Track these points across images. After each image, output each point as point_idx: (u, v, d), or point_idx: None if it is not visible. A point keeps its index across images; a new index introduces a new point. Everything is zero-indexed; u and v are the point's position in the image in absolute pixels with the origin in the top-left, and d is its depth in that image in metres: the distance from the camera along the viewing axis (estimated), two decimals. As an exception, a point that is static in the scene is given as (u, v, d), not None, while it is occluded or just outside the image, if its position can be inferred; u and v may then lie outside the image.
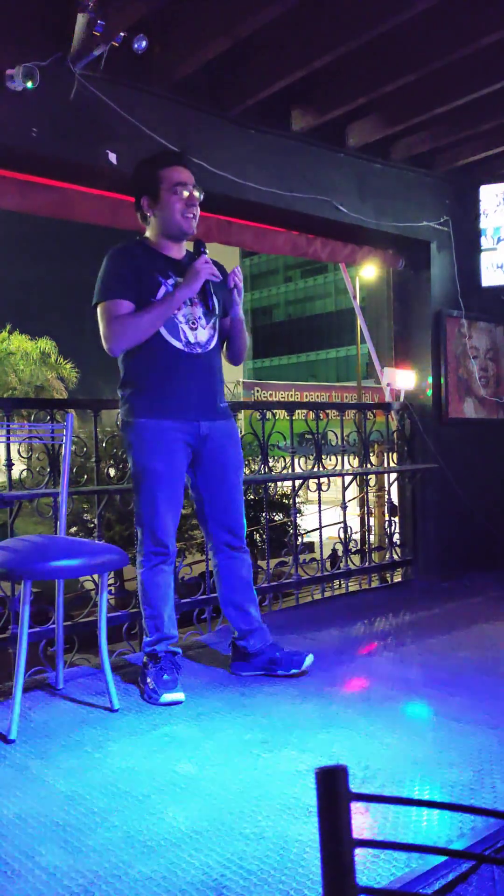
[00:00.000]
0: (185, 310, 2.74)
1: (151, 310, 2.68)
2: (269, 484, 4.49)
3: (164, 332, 2.71)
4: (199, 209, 2.79)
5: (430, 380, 4.79)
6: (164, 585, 2.79)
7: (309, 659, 2.88)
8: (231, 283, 2.83)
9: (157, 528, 2.76)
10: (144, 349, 2.72)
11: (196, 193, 2.76)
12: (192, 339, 2.76)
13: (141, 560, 2.80)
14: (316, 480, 4.25)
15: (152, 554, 2.77)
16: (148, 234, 2.84)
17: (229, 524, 2.90)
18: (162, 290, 2.72)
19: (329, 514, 4.66)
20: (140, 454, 2.76)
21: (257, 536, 13.13)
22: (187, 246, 2.87)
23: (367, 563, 4.69)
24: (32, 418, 3.40)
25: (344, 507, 4.58)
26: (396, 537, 4.83)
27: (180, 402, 2.75)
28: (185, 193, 2.74)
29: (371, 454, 4.80)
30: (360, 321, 6.63)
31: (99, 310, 2.74)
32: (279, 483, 5.18)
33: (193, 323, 2.76)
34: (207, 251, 2.78)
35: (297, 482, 4.25)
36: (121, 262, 2.76)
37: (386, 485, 5.26)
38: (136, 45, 2.99)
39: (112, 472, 4.09)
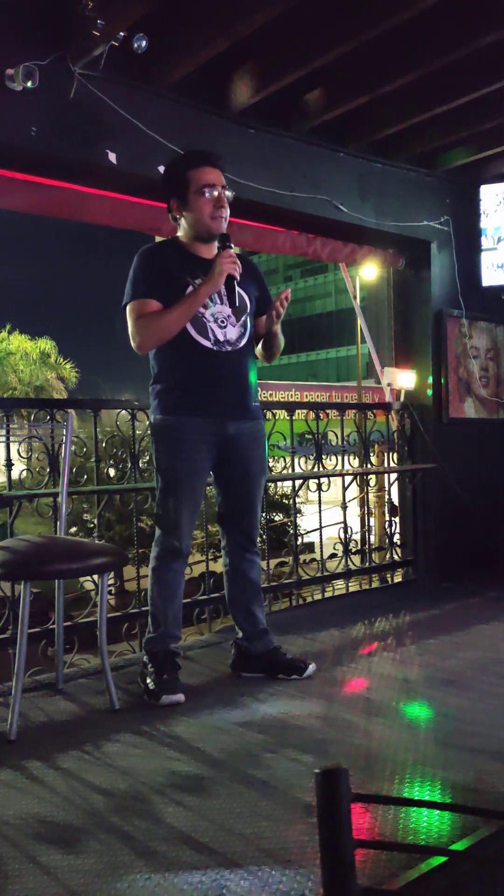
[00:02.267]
0: (213, 308, 2.72)
1: (176, 307, 2.66)
2: (269, 484, 4.48)
3: (192, 331, 2.70)
4: (228, 210, 2.76)
5: (430, 380, 4.78)
6: (173, 584, 2.79)
7: (311, 668, 2.88)
8: (277, 304, 2.76)
9: (172, 526, 2.76)
10: (173, 347, 2.71)
11: (226, 194, 2.74)
12: (221, 338, 2.74)
13: (153, 555, 2.81)
14: (316, 480, 4.25)
15: (164, 551, 2.78)
16: (179, 234, 2.83)
17: (244, 526, 2.91)
18: (189, 289, 2.70)
19: (329, 514, 4.66)
20: (163, 453, 2.77)
21: (258, 536, 13.08)
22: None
23: (367, 564, 4.69)
24: (32, 418, 3.40)
25: (344, 507, 4.58)
26: (397, 537, 4.83)
27: (207, 401, 2.74)
28: (215, 194, 2.71)
29: (371, 454, 4.80)
30: (360, 321, 6.64)
31: (127, 310, 2.73)
32: (279, 483, 5.17)
33: (223, 321, 2.74)
34: (233, 246, 2.73)
35: (297, 482, 4.25)
36: (148, 262, 2.76)
37: (386, 485, 5.26)
38: (135, 45, 2.99)
39: (112, 472, 4.08)
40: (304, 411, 4.36)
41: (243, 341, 2.80)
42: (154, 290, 2.70)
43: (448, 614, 3.92)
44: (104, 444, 3.60)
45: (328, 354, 45.40)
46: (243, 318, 2.81)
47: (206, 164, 2.74)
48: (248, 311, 2.83)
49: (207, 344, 2.72)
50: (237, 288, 2.71)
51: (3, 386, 21.62)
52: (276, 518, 12.91)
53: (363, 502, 5.92)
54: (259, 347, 2.93)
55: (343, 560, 4.43)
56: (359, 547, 5.00)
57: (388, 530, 4.92)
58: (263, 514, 3.76)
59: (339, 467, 4.40)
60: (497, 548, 4.69)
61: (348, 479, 4.54)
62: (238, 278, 2.69)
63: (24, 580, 2.42)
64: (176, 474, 2.75)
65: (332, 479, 4.35)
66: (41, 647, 3.11)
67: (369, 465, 4.69)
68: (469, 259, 4.78)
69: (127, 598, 3.96)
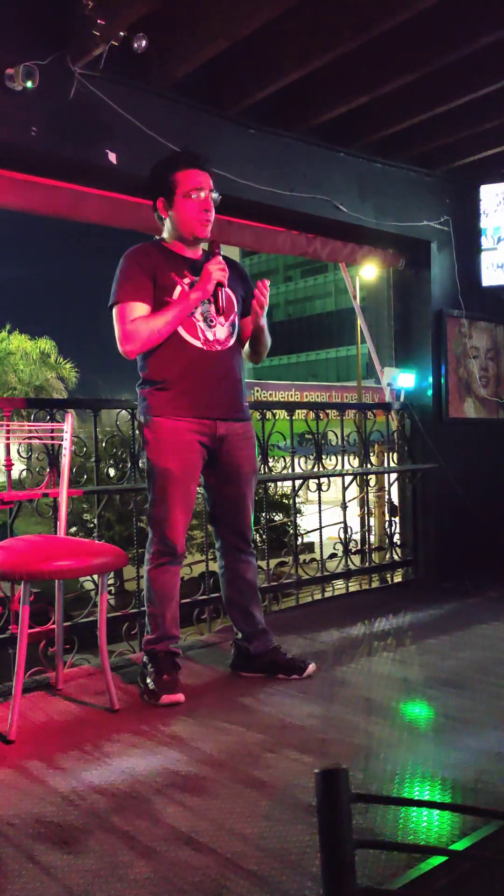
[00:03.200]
0: (202, 308, 2.73)
1: (166, 313, 2.67)
2: (269, 484, 4.48)
3: (181, 330, 2.70)
4: (213, 213, 2.77)
5: (430, 380, 4.78)
6: (169, 585, 2.79)
7: (311, 667, 2.89)
8: (257, 293, 2.75)
9: (166, 527, 2.76)
10: (162, 348, 2.71)
11: (213, 196, 2.75)
12: (210, 337, 2.75)
13: (148, 557, 2.80)
14: (316, 480, 4.25)
15: (159, 552, 2.78)
16: (164, 234, 2.83)
17: (238, 527, 2.90)
18: (178, 290, 2.71)
19: (329, 514, 4.66)
20: (155, 453, 2.76)
21: (257, 536, 13.11)
22: (205, 244, 2.86)
23: (367, 564, 4.69)
24: (32, 418, 3.40)
25: (344, 507, 4.58)
26: (396, 538, 4.83)
27: (198, 401, 2.74)
28: (202, 196, 2.72)
29: (371, 454, 4.80)
30: (360, 321, 6.64)
31: (114, 312, 2.72)
32: (279, 483, 5.17)
33: (211, 321, 2.75)
34: (221, 251, 2.77)
35: (297, 482, 4.25)
36: (136, 263, 2.75)
37: (386, 485, 5.26)
38: (135, 45, 2.99)
39: (112, 472, 4.08)
40: (304, 411, 4.36)
41: (231, 341, 2.81)
42: (142, 292, 2.70)
43: (448, 614, 3.92)
44: (104, 444, 3.60)
45: (328, 354, 45.41)
46: (231, 318, 2.82)
47: (195, 166, 2.75)
48: (236, 310, 2.84)
49: (197, 343, 2.73)
50: (226, 291, 2.73)
51: (3, 386, 21.63)
52: (276, 518, 12.91)
53: (363, 502, 5.92)
54: (247, 347, 2.93)
55: (343, 560, 4.43)
56: (359, 547, 5.00)
57: (388, 530, 4.92)
58: (263, 514, 3.77)
59: (339, 467, 4.40)
60: (497, 548, 4.70)
61: (348, 479, 4.54)
62: (226, 285, 2.72)
63: (24, 580, 2.42)
64: (169, 474, 2.74)
65: (332, 479, 4.35)
66: (41, 647, 3.11)
67: (369, 465, 4.69)
68: (469, 259, 4.78)
69: (127, 598, 3.96)
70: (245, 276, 2.94)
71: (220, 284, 2.68)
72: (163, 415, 2.74)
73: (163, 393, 2.75)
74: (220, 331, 2.77)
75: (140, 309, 2.69)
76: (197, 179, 2.72)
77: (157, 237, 2.90)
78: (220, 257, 2.73)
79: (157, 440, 2.75)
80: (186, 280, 2.72)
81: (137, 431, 2.93)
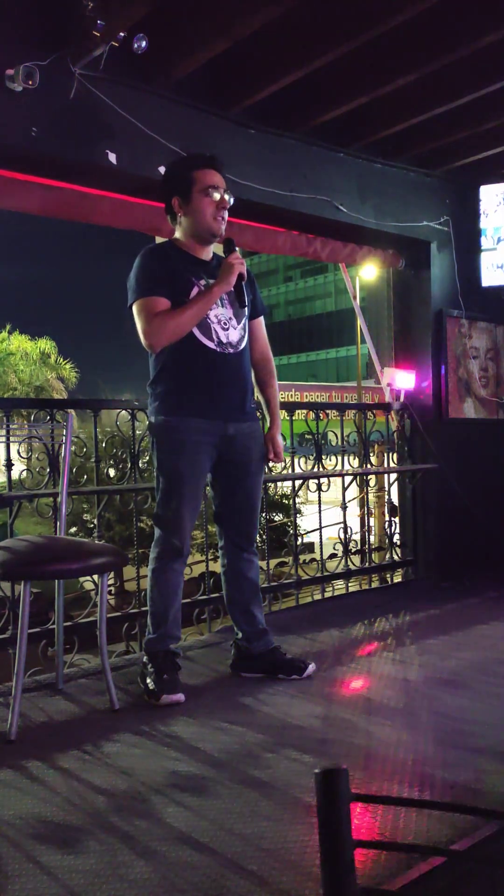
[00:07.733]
0: (217, 310, 2.75)
1: (191, 305, 2.68)
2: (269, 484, 4.49)
3: (196, 331, 2.72)
4: (227, 213, 2.79)
5: (430, 380, 4.78)
6: (173, 584, 2.79)
7: (311, 668, 2.89)
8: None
9: (172, 527, 2.76)
10: (176, 348, 2.72)
11: (227, 197, 2.76)
12: (223, 340, 2.76)
13: (153, 556, 2.80)
14: (316, 481, 4.25)
15: (164, 552, 2.78)
16: (177, 234, 2.84)
17: (242, 526, 2.91)
18: (195, 290, 2.72)
19: (329, 514, 4.66)
20: (164, 453, 2.77)
21: (257, 536, 13.11)
22: (215, 248, 2.88)
23: (367, 564, 4.69)
24: (32, 418, 3.40)
25: (344, 507, 4.58)
26: (396, 538, 4.83)
27: (208, 402, 2.75)
28: (217, 196, 2.74)
29: (371, 454, 4.80)
30: (360, 321, 6.64)
31: (135, 308, 2.73)
32: (279, 483, 5.17)
33: (225, 323, 2.77)
34: (238, 250, 2.80)
35: (297, 482, 4.25)
36: (154, 260, 2.77)
37: (386, 485, 5.26)
38: (136, 45, 2.99)
39: (112, 472, 4.09)
40: (304, 411, 4.36)
41: (243, 344, 2.83)
42: (162, 287, 2.71)
43: (448, 614, 3.92)
44: (104, 444, 3.60)
45: (328, 354, 45.41)
46: (243, 321, 2.84)
47: (211, 166, 2.78)
48: (246, 313, 2.86)
49: (211, 345, 2.74)
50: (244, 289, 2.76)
51: (3, 386, 21.66)
52: (276, 518, 12.92)
53: (363, 502, 5.92)
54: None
55: (343, 560, 4.43)
56: (358, 547, 4.99)
57: (387, 530, 4.93)
58: (263, 514, 3.77)
59: (338, 467, 4.40)
60: (497, 548, 4.70)
61: (348, 479, 4.54)
62: (246, 279, 2.74)
63: (24, 580, 2.42)
64: (179, 474, 2.75)
65: (332, 479, 4.35)
66: (41, 647, 3.11)
67: (369, 465, 4.69)
68: (469, 259, 4.78)
69: (127, 598, 3.97)
70: (252, 278, 2.95)
71: (240, 278, 2.71)
72: (173, 415, 2.75)
73: (175, 394, 2.76)
74: (233, 333, 2.79)
75: (161, 304, 2.70)
76: (214, 178, 2.75)
77: (169, 238, 2.91)
78: (238, 254, 2.75)
79: (167, 440, 2.76)
80: (202, 281, 2.74)
81: (145, 431, 2.94)
